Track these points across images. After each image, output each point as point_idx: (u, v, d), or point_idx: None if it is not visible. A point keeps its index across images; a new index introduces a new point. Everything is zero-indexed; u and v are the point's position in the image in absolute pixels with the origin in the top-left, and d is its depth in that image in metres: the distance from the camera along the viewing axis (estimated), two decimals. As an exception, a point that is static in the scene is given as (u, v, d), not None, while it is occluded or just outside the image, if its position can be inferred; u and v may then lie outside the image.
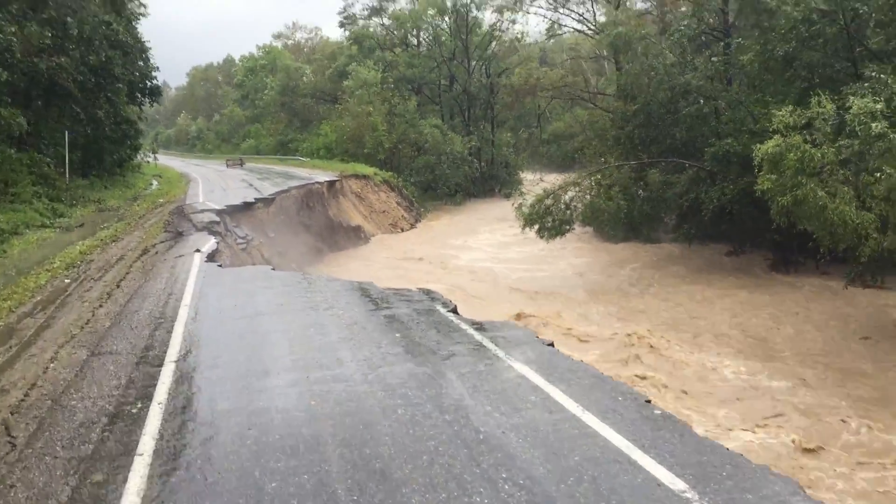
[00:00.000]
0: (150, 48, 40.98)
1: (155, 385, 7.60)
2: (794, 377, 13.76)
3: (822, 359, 15.32)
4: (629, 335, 15.61)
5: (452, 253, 32.68)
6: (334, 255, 33.44)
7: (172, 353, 8.77)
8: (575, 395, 6.59)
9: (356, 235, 37.39)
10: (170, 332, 9.82)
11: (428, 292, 11.63)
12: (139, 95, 42.81)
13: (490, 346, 8.45)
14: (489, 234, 38.75)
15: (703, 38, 33.04)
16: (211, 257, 16.55)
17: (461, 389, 6.94)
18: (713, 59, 29.17)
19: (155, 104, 52.11)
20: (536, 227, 28.24)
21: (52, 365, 8.79)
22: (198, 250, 17.02)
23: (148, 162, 53.70)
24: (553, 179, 44.28)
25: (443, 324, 9.60)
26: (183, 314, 10.72)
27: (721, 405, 11.83)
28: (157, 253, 17.64)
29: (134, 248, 19.04)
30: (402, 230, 41.91)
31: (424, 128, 49.35)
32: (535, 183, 43.59)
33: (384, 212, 42.93)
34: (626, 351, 14.62)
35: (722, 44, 31.96)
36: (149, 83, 42.31)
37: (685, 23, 32.57)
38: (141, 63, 41.10)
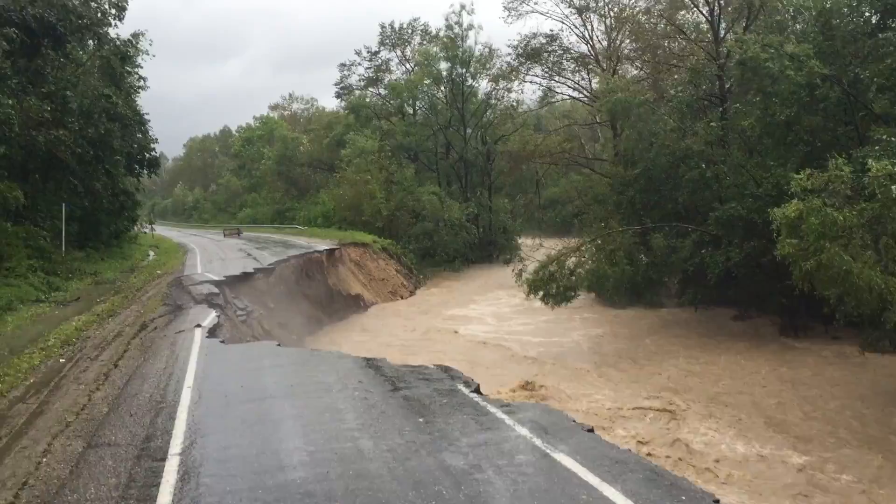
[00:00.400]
0: (149, 120, 40.84)
1: (158, 484, 6.82)
2: (859, 467, 12.85)
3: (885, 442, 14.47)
4: (660, 411, 14.83)
5: (455, 323, 31.89)
6: (334, 324, 32.69)
7: (176, 443, 7.99)
8: (632, 494, 5.84)
9: (356, 304, 36.68)
10: (172, 418, 9.05)
11: (446, 369, 10.89)
12: (137, 167, 42.54)
13: (524, 432, 7.69)
14: (491, 302, 38.08)
15: (698, 104, 32.95)
16: (212, 332, 15.81)
17: (502, 488, 6.17)
18: (711, 124, 28.97)
19: (153, 175, 51.86)
20: (541, 293, 27.66)
21: (45, 459, 8.00)
22: (198, 325, 16.28)
23: (145, 233, 53.25)
24: (552, 244, 43.81)
25: (468, 406, 8.86)
26: (186, 398, 9.95)
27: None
28: (155, 328, 16.89)
29: (132, 322, 18.29)
30: (402, 298, 41.22)
31: (422, 195, 49.12)
32: (535, 248, 43.06)
33: (383, 280, 42.29)
34: (664, 432, 13.81)
35: (720, 109, 31.91)
36: (147, 155, 42.08)
37: (680, 88, 32.58)
38: (139, 135, 40.92)
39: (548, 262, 27.82)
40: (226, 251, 40.42)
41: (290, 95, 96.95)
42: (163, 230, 72.20)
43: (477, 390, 9.53)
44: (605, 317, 32.27)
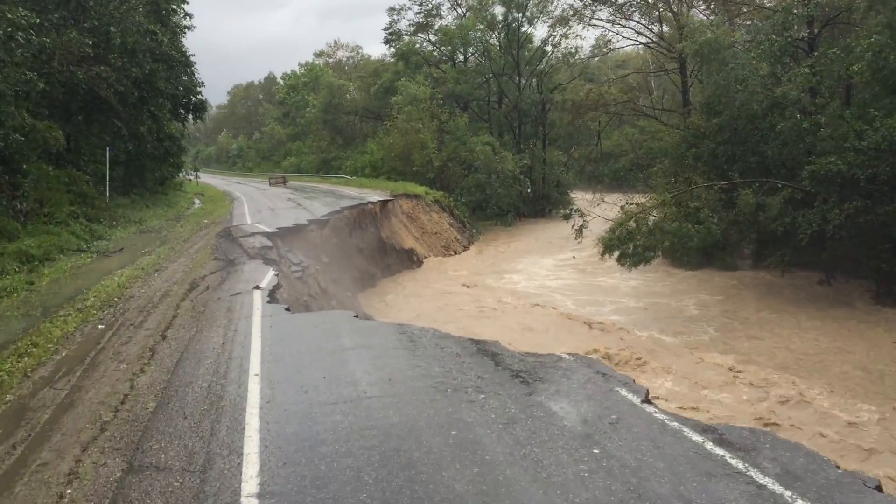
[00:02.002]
0: (195, 63, 38.30)
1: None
2: None
3: None
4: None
5: (516, 284, 29.31)
6: (387, 280, 30.42)
7: (249, 475, 5.56)
8: None
9: (409, 259, 34.29)
10: (239, 428, 6.64)
11: (587, 362, 8.32)
12: (182, 111, 40.18)
13: (763, 480, 5.12)
14: (551, 260, 35.34)
15: (790, 49, 29.54)
16: (272, 295, 13.40)
17: None
18: (809, 69, 25.65)
19: (198, 121, 49.58)
20: (617, 253, 24.95)
21: (68, 490, 5.63)
22: (257, 287, 13.87)
23: (190, 180, 51.25)
24: (614, 199, 40.93)
25: (643, 423, 6.31)
26: (254, 393, 7.54)
27: None
28: (207, 288, 14.53)
29: (180, 279, 15.97)
30: (455, 253, 38.69)
31: (476, 145, 46.16)
32: (595, 203, 40.18)
33: (436, 233, 39.75)
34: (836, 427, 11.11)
35: (815, 53, 28.51)
36: (193, 98, 39.61)
37: (771, 32, 29.15)
38: (185, 78, 38.46)
39: (625, 219, 24.98)
40: (274, 200, 38.10)
41: (336, 42, 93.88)
42: (207, 178, 70.29)
43: (647, 399, 6.93)
44: (677, 279, 29.47)
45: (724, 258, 30.68)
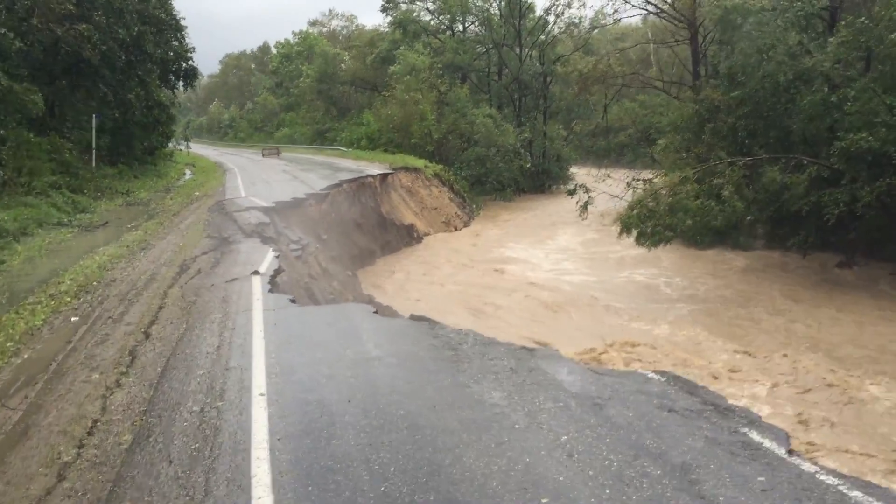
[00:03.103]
0: (186, 26, 35.93)
1: None
2: None
3: None
4: None
5: (524, 259, 27.56)
6: (387, 257, 28.61)
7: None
8: None
9: (409, 235, 32.44)
10: (243, 482, 4.82)
11: (686, 386, 6.49)
12: (172, 77, 37.84)
13: None
14: (557, 238, 33.54)
15: (815, 18, 27.68)
16: (274, 282, 11.55)
17: None
18: (839, 39, 23.79)
19: (189, 89, 47.24)
20: (635, 233, 23.15)
21: None
22: (256, 272, 12.01)
23: (181, 150, 49.07)
24: (621, 176, 39.15)
25: (796, 489, 4.53)
26: (260, 424, 5.75)
27: None
28: (199, 272, 12.66)
29: (168, 260, 14.11)
30: (456, 229, 36.84)
31: (476, 118, 44.05)
32: (601, 178, 38.36)
33: (436, 208, 37.85)
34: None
35: (842, 23, 26.63)
36: (183, 64, 37.27)
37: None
38: (175, 42, 36.09)
39: (644, 196, 23.17)
40: (268, 172, 36.06)
41: (330, 12, 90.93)
42: (198, 148, 67.86)
43: (790, 449, 5.13)
44: (690, 258, 27.68)
45: (737, 238, 29.02)
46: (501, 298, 19.90)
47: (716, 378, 10.86)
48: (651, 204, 22.55)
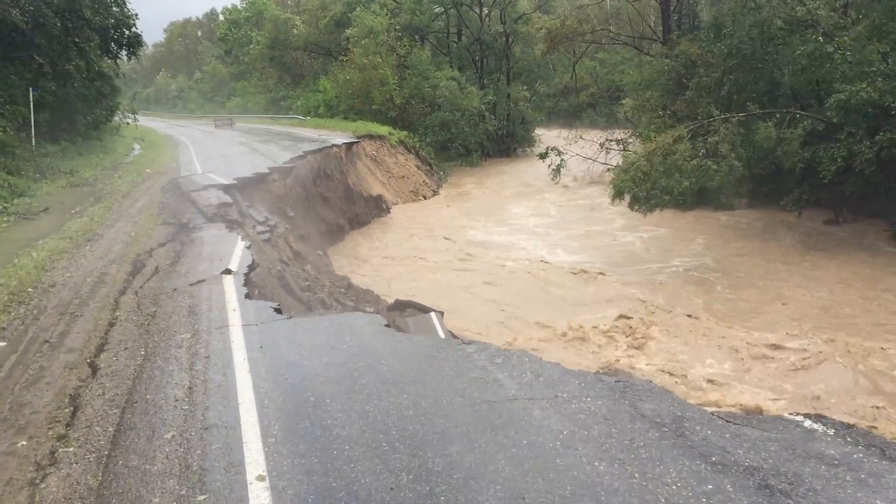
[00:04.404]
0: (126, -10, 32.80)
1: None
2: None
3: None
4: None
5: (499, 230, 25.59)
6: (357, 232, 26.59)
7: None
8: None
9: (377, 206, 30.32)
10: None
11: (868, 438, 4.61)
12: (115, 46, 34.68)
13: None
14: (530, 203, 31.61)
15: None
16: (250, 282, 9.42)
17: None
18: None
19: (133, 58, 43.89)
20: (628, 197, 21.39)
21: None
22: (227, 270, 9.85)
23: (128, 123, 45.78)
24: (595, 136, 37.43)
25: None
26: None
27: None
28: (157, 271, 10.45)
29: (119, 255, 11.83)
30: (425, 197, 34.78)
31: (439, 81, 41.65)
32: (572, 140, 36.55)
33: (403, 177, 35.68)
34: None
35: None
36: (126, 32, 34.13)
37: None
38: (115, 8, 33.00)
39: (637, 158, 21.38)
40: (224, 145, 33.42)
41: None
42: (147, 121, 64.17)
43: None
44: (674, 220, 26.02)
45: (718, 198, 27.54)
46: (473, 274, 18.05)
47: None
48: (645, 166, 20.74)
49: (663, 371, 9.86)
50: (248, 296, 8.70)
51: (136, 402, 5.82)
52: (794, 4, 22.22)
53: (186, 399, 5.75)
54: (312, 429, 5.04)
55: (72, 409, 5.87)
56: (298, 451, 4.72)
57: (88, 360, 6.97)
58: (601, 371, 8.14)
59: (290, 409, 5.38)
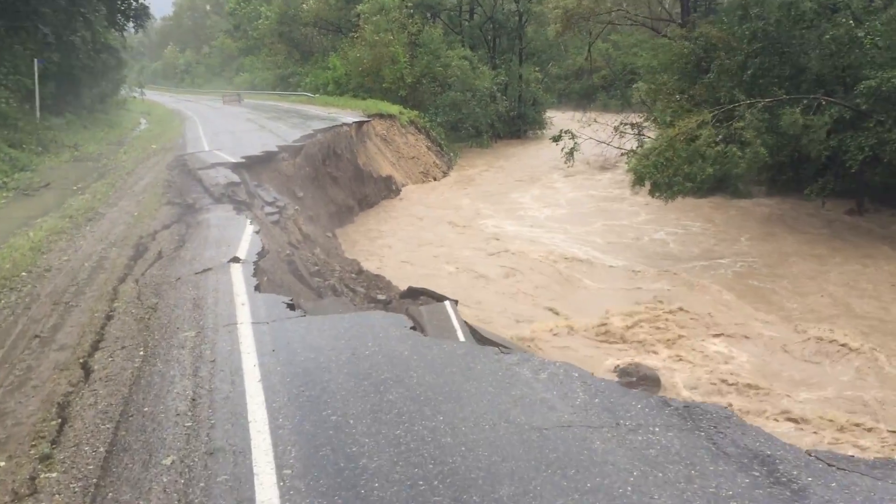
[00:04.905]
0: (133, -41, 31.82)
1: None
2: None
3: None
4: None
5: (514, 221, 24.68)
6: (366, 214, 25.90)
7: None
8: None
9: (386, 187, 29.54)
10: None
11: None
12: (121, 18, 33.73)
13: None
14: (545, 188, 30.79)
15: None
16: (259, 272, 8.65)
17: None
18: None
19: (140, 30, 42.94)
20: (649, 184, 20.54)
21: None
22: (235, 258, 9.08)
23: (135, 97, 44.93)
24: (608, 120, 36.42)
25: None
26: None
27: None
28: (160, 256, 9.69)
29: (120, 238, 11.07)
30: (435, 179, 33.92)
31: (451, 60, 40.59)
32: (586, 123, 35.53)
33: (413, 157, 34.79)
34: None
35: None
36: (133, 3, 33.19)
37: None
38: (123, -22, 32.06)
39: (659, 144, 20.51)
40: (232, 122, 32.52)
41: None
42: (154, 95, 63.18)
43: None
44: (688, 208, 25.11)
45: (737, 185, 26.58)
46: (491, 265, 17.26)
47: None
48: (668, 152, 19.85)
49: (725, 383, 9.03)
50: (258, 288, 7.93)
51: (131, 416, 5.07)
52: (825, -16, 21.25)
53: (189, 413, 5.00)
54: (335, 458, 4.28)
55: (59, 420, 5.13)
56: (319, 489, 3.96)
57: (81, 361, 6.22)
58: (654, 392, 7.35)
59: (309, 432, 4.62)
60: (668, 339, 11.19)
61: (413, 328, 6.58)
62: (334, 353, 5.96)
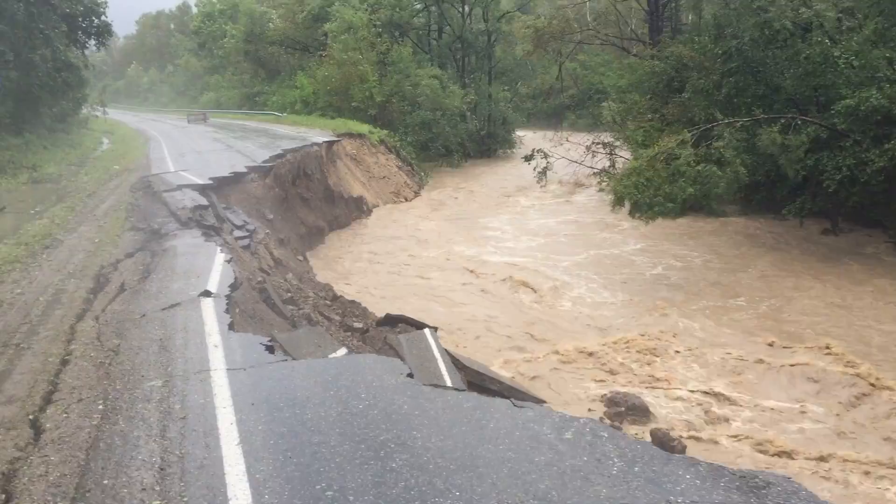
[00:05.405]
0: (95, -25, 30.80)
1: None
2: None
3: None
4: None
5: (490, 243, 23.94)
6: (336, 234, 25.20)
7: None
8: None
9: (357, 208, 28.86)
10: None
11: None
12: (83, 36, 32.61)
13: None
14: (519, 207, 30.29)
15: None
16: (232, 307, 7.87)
17: None
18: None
19: (102, 48, 41.72)
20: (629, 204, 20.11)
21: None
22: (206, 292, 8.28)
23: (97, 116, 43.60)
24: (579, 139, 36.12)
25: None
26: None
27: None
28: (122, 289, 8.85)
29: (79, 268, 10.19)
30: (406, 199, 33.25)
31: (421, 79, 40.07)
32: (557, 143, 35.19)
33: (384, 177, 34.11)
34: None
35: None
36: (95, 20, 32.09)
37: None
38: (84, -5, 30.97)
39: (639, 163, 20.10)
40: (197, 141, 31.55)
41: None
42: (117, 114, 61.60)
43: None
44: (661, 227, 24.54)
45: (710, 204, 26.33)
46: (468, 292, 16.53)
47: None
48: (648, 172, 19.43)
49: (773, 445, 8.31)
50: (231, 326, 7.14)
51: (89, 491, 4.28)
52: (799, 5, 21.09)
53: (157, 489, 4.22)
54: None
55: (3, 497, 4.31)
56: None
57: (31, 417, 5.40)
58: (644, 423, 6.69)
59: (303, 512, 3.88)
60: (658, 370, 10.61)
61: (410, 375, 5.85)
62: (323, 407, 5.21)
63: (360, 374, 5.84)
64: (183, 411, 5.26)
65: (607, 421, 7.62)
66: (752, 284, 17.70)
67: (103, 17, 31.84)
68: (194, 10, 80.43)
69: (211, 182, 17.92)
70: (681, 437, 8.44)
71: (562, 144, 35.33)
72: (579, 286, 17.68)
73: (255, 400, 5.36)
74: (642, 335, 13.02)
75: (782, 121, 20.98)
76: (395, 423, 4.92)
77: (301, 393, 5.48)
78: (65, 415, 5.40)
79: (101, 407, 5.48)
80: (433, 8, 47.98)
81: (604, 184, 27.12)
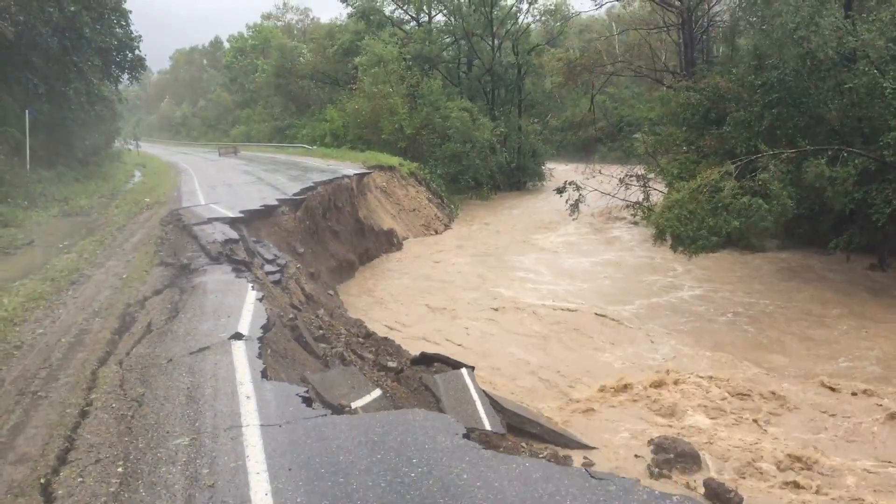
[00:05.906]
0: (131, 11, 30.96)
1: None
2: None
3: None
4: None
5: (524, 271, 23.31)
6: (367, 267, 24.64)
7: None
8: None
9: (388, 241, 28.38)
10: None
11: None
12: (116, 70, 32.75)
13: None
14: (550, 242, 29.62)
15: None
16: (265, 352, 7.26)
17: None
18: (887, 15, 20.31)
19: (135, 82, 42.04)
20: (670, 238, 19.37)
21: None
22: (237, 334, 7.68)
23: (129, 150, 43.84)
24: (613, 171, 35.45)
25: None
26: None
27: None
28: (149, 330, 8.29)
29: (105, 306, 9.67)
30: (437, 232, 32.72)
31: (451, 111, 39.76)
32: (590, 175, 34.57)
33: (414, 210, 33.66)
34: None
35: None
36: (129, 54, 32.22)
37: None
38: (118, 29, 31.12)
39: (682, 196, 19.35)
40: (228, 174, 31.34)
41: (285, 4, 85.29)
42: (149, 147, 62.20)
43: None
44: (697, 265, 23.62)
45: (749, 238, 25.39)
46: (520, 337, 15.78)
47: None
48: (691, 205, 18.68)
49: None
50: (264, 374, 6.52)
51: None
52: (844, 35, 20.37)
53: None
54: None
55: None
56: None
57: (42, 481, 4.79)
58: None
59: None
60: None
61: (466, 435, 5.16)
62: (370, 475, 4.54)
63: (410, 432, 5.16)
64: (211, 477, 4.63)
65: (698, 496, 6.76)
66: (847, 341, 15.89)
67: (137, 52, 31.95)
68: (226, 45, 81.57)
69: (241, 215, 17.48)
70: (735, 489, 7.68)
71: (594, 177, 34.73)
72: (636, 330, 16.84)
73: (292, 464, 4.71)
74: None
75: (828, 152, 20.19)
76: (454, 497, 4.23)
77: (344, 457, 4.82)
78: (80, 479, 4.79)
79: (120, 470, 4.87)
80: (463, 42, 47.86)
81: (638, 216, 26.39)
